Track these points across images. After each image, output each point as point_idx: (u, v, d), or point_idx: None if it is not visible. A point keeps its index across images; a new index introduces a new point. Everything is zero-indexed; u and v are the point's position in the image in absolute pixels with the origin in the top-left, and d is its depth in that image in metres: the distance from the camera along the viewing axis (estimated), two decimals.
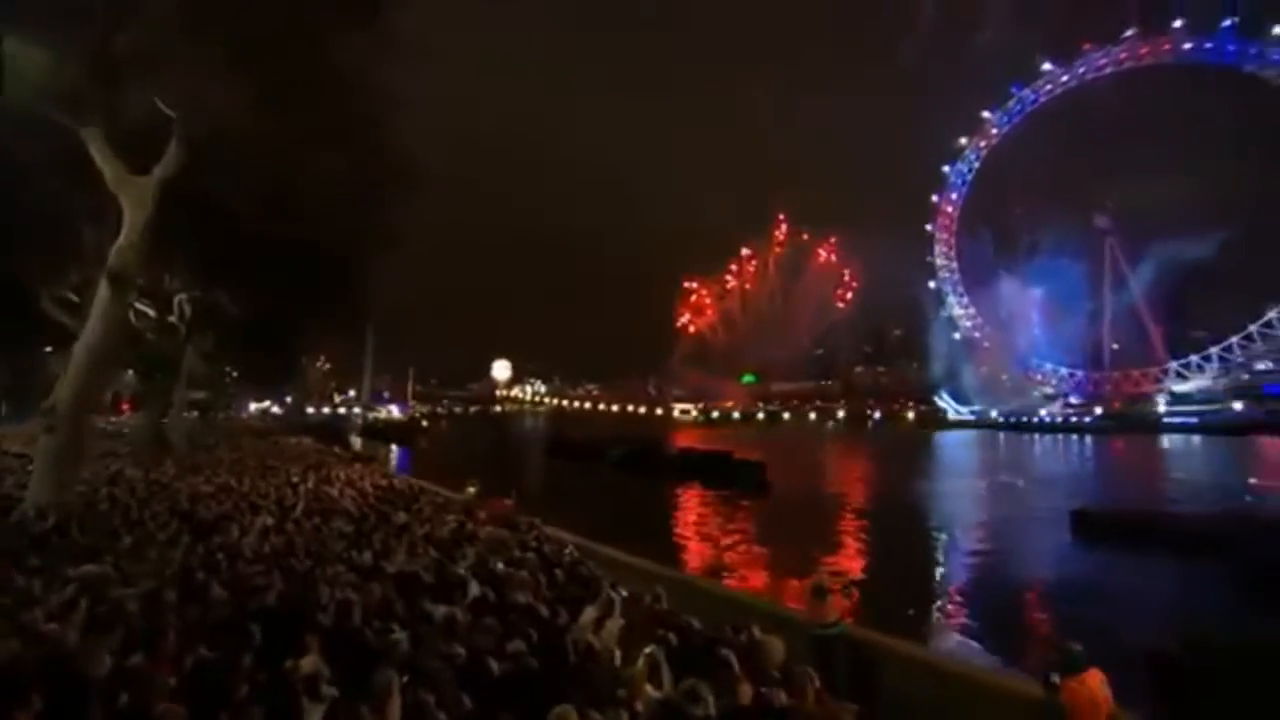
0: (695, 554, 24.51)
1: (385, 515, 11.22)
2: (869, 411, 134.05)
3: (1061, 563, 24.42)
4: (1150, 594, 19.78)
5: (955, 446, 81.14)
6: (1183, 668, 13.52)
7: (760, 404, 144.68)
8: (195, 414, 50.13)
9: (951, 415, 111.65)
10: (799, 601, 7.16)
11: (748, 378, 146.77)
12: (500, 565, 7.82)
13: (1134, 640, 14.96)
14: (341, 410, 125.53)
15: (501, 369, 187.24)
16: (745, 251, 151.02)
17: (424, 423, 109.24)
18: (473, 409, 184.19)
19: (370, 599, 6.32)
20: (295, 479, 16.53)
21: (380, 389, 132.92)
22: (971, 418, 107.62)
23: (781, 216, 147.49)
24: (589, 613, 6.19)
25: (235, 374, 51.27)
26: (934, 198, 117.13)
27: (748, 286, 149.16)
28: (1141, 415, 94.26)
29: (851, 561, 23.95)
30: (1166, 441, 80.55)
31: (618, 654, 5.37)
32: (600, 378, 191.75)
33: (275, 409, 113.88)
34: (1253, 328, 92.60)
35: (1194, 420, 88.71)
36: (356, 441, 70.83)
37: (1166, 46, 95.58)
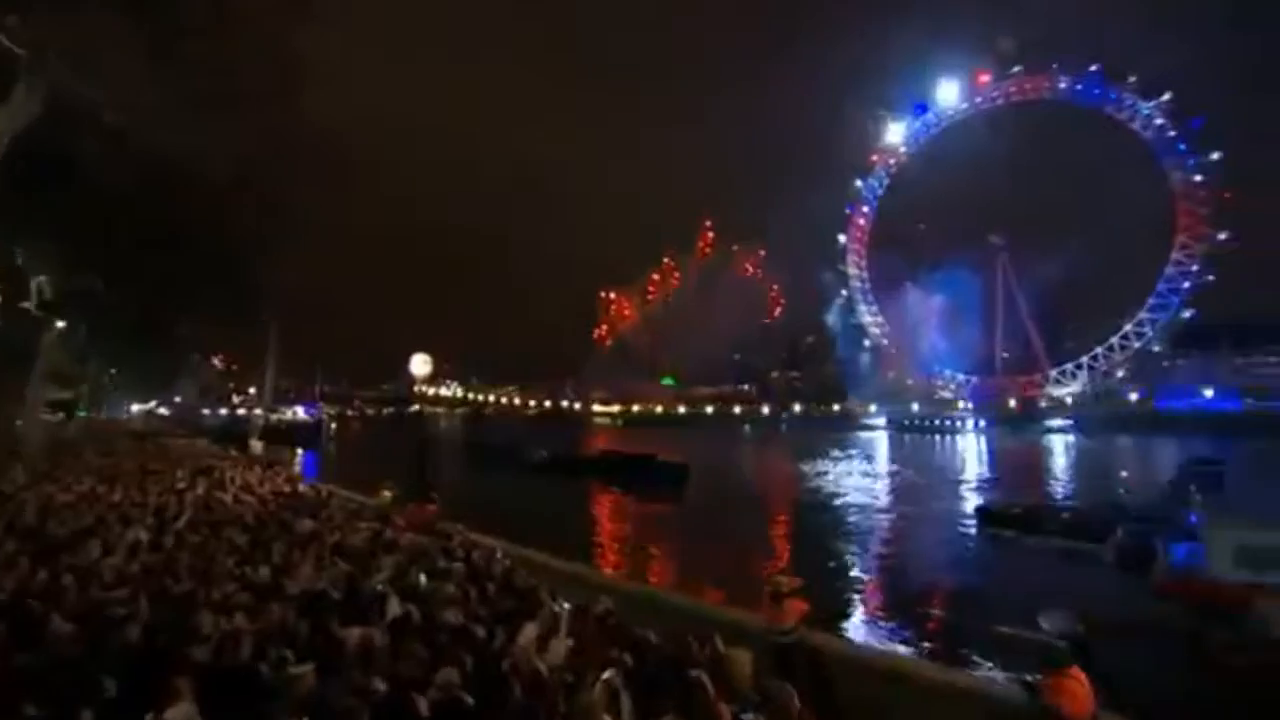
0: (628, 558, 23.79)
1: (288, 524, 9.78)
2: (783, 414, 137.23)
3: (971, 554, 25.82)
4: (1046, 579, 20.91)
5: (865, 447, 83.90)
6: (1089, 645, 14.41)
7: (680, 406, 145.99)
8: (60, 415, 43.88)
9: (861, 418, 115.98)
10: (754, 606, 6.57)
11: (667, 380, 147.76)
12: (423, 578, 6.80)
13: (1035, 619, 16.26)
14: (241, 412, 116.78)
15: (420, 363, 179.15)
16: (668, 260, 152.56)
17: (333, 424, 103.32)
18: (387, 410, 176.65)
19: (266, 624, 5.24)
20: (181, 485, 14.45)
21: (286, 389, 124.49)
22: (880, 420, 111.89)
23: (709, 224, 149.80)
24: (530, 631, 5.39)
25: (115, 371, 45.93)
26: (847, 210, 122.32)
27: (670, 293, 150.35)
28: (1027, 417, 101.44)
29: (778, 560, 23.93)
30: (1048, 440, 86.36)
31: (567, 679, 4.60)
32: (519, 379, 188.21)
33: (163, 410, 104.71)
34: (1113, 340, 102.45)
35: (1070, 421, 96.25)
36: (257, 445, 65.98)
37: (1046, 84, 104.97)
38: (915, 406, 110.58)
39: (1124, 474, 39.79)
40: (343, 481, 23.27)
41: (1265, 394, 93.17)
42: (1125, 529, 23.47)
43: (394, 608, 5.92)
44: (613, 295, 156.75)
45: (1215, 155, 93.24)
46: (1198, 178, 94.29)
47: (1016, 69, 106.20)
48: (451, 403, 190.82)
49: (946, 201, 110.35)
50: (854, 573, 22.83)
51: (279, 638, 5.02)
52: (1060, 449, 78.17)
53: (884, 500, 39.40)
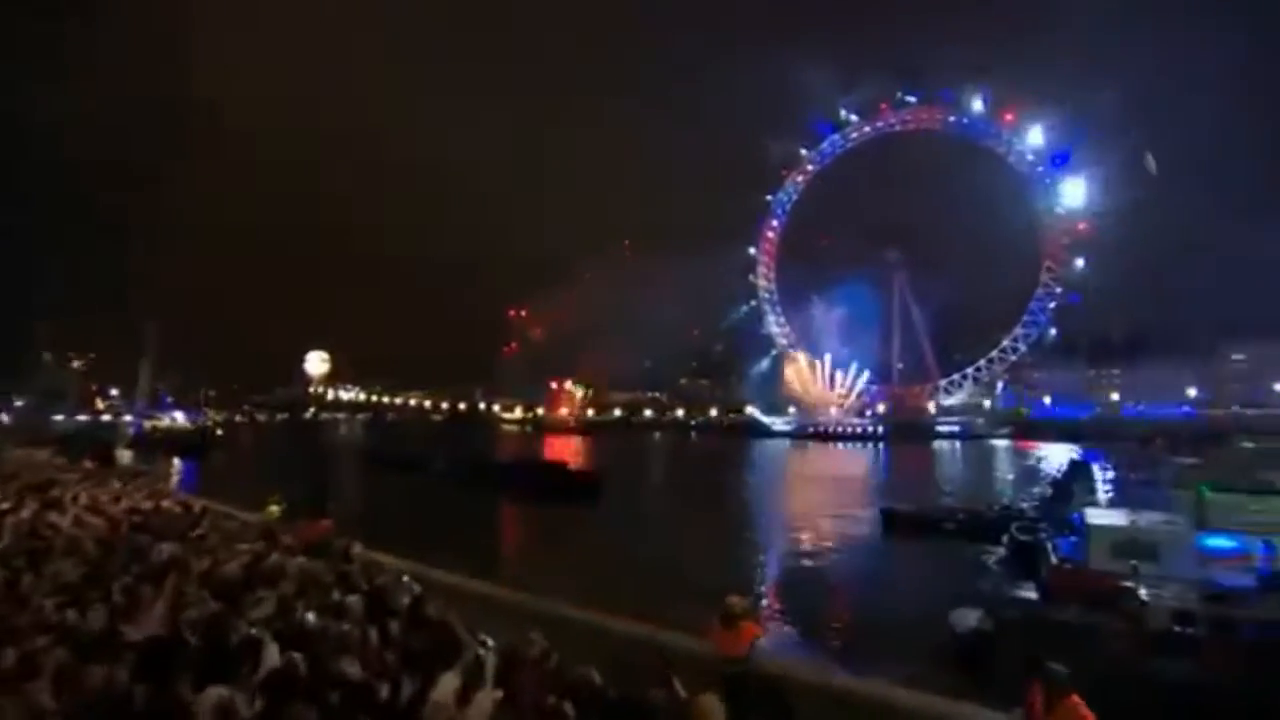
0: (548, 575, 22.33)
1: (142, 550, 8.00)
2: (693, 422, 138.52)
3: (878, 554, 26.97)
4: (949, 578, 21.99)
5: (772, 454, 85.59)
6: (993, 639, 14.91)
7: (591, 413, 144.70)
8: None
9: (769, 425, 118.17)
10: (705, 630, 5.78)
11: (578, 387, 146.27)
12: (312, 616, 5.50)
13: (945, 617, 15.97)
14: (107, 417, 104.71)
15: (317, 362, 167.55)
16: (582, 268, 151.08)
17: (219, 431, 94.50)
18: (281, 416, 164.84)
19: (82, 692, 3.88)
20: (2, 506, 11.76)
21: (163, 392, 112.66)
22: (786, 428, 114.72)
23: (627, 243, 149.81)
24: (449, 682, 4.33)
25: None
26: (757, 223, 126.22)
27: (584, 299, 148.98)
28: (921, 424, 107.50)
29: (695, 568, 23.86)
30: (939, 446, 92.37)
31: None
32: (425, 383, 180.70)
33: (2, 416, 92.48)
34: (993, 353, 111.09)
35: (957, 428, 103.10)
36: (125, 455, 59.29)
37: (938, 116, 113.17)
38: (818, 414, 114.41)
39: (1010, 477, 41.96)
40: (224, 496, 20.68)
41: (1112, 404, 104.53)
42: (1016, 528, 25.09)
43: (272, 657, 4.65)
44: (524, 302, 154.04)
45: (1074, 191, 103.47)
46: (1060, 210, 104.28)
47: (911, 100, 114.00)
48: (353, 407, 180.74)
49: (849, 218, 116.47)
50: (767, 576, 22.89)
51: (100, 712, 3.69)
52: (950, 454, 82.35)
53: (791, 505, 40.66)
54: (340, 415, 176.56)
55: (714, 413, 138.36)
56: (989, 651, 13.92)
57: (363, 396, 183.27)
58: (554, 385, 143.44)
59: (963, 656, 14.49)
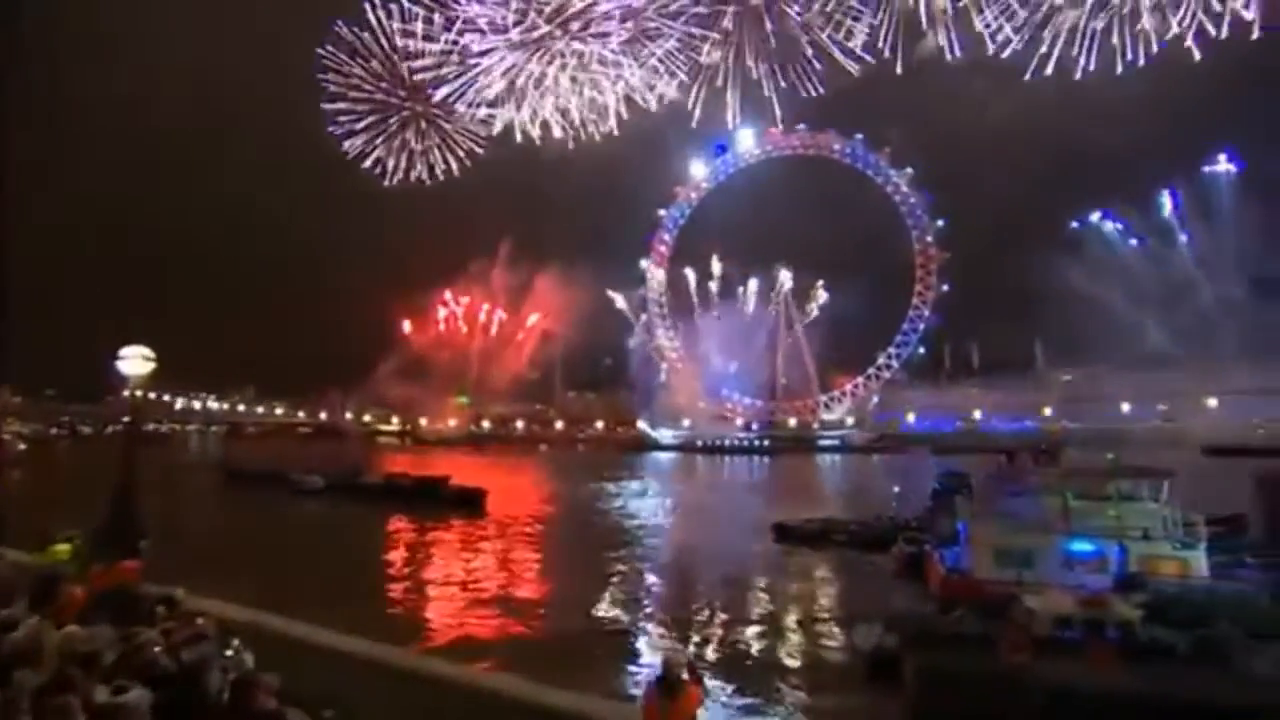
0: (429, 612, 20.00)
1: None
2: (579, 434, 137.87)
3: (773, 568, 26.73)
4: (839, 590, 23.05)
5: (660, 468, 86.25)
6: (897, 654, 15.02)
7: (473, 426, 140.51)
8: None
9: (657, 438, 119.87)
10: (645, 705, 4.68)
11: (462, 398, 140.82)
12: None
13: (848, 634, 16.45)
14: None
15: (136, 361, 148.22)
16: (467, 277, 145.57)
17: (21, 445, 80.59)
18: (113, 428, 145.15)
19: None
20: None
21: None
22: (674, 442, 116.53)
23: (505, 245, 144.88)
24: None
25: None
26: (649, 237, 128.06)
27: (465, 308, 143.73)
28: (804, 438, 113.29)
29: (584, 587, 22.80)
30: (821, 459, 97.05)
31: None
32: (290, 395, 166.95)
33: None
34: (870, 370, 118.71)
35: (838, 442, 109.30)
36: None
37: (824, 143, 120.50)
38: (706, 428, 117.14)
39: (891, 489, 43.53)
40: (10, 526, 16.93)
41: (968, 419, 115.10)
42: (904, 538, 26.04)
43: None
44: (405, 309, 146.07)
45: (940, 223, 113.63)
46: (928, 239, 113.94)
47: (801, 126, 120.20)
48: (206, 419, 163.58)
49: (739, 236, 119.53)
50: (658, 597, 22.02)
51: None
52: (831, 467, 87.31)
53: (683, 520, 40.57)
54: (193, 428, 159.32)
55: (601, 425, 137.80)
56: (894, 666, 14.11)
57: (219, 406, 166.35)
58: (434, 396, 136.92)
59: (869, 673, 14.58)
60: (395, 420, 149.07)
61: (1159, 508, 18.29)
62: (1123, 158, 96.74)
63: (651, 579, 24.80)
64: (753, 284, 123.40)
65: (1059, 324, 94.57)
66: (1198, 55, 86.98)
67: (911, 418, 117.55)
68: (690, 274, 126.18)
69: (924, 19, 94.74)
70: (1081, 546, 18.42)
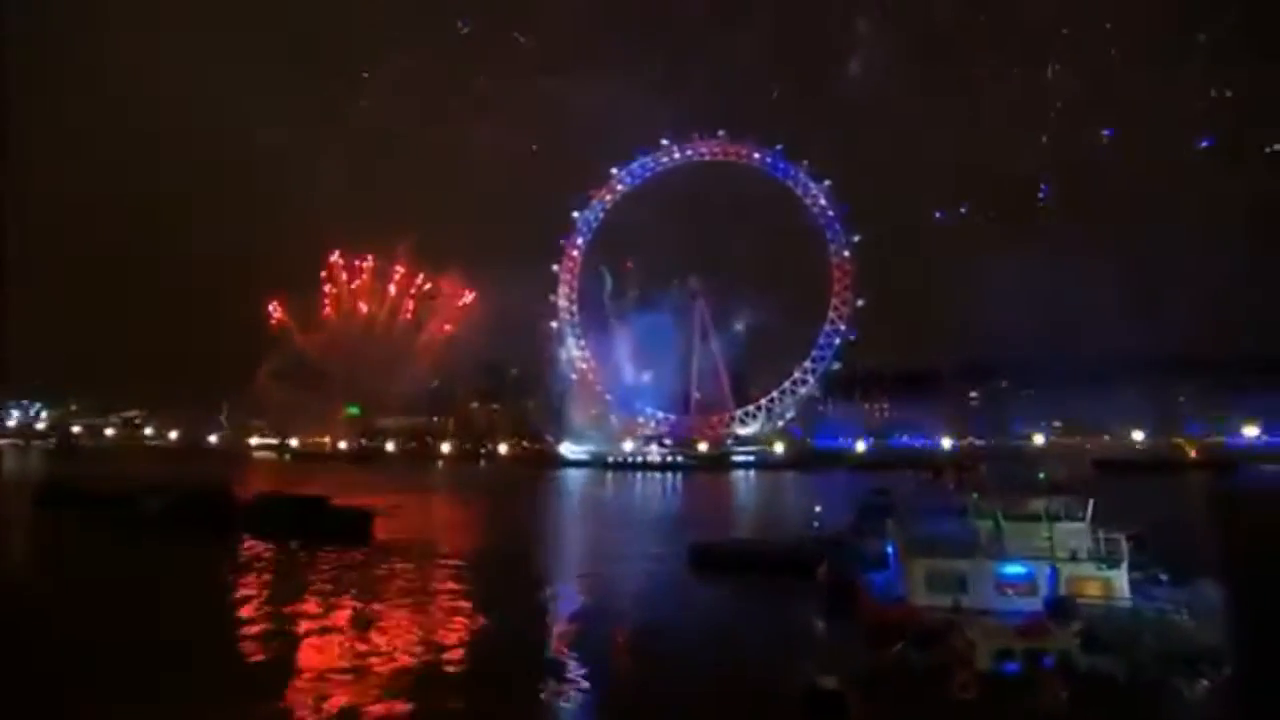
0: (282, 678, 16.50)
1: None
2: (482, 449, 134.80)
3: (685, 598, 26.12)
4: (764, 621, 22.15)
5: (568, 485, 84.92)
6: (844, 700, 14.35)
7: (363, 439, 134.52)
8: None
9: (565, 454, 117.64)
10: None
11: (352, 410, 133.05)
12: None
13: (775, 674, 15.77)
14: None
15: None
16: (363, 278, 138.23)
17: None
18: None
19: None
20: None
21: None
22: (585, 457, 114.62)
23: (402, 251, 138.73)
24: None
25: None
26: (562, 241, 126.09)
27: (362, 313, 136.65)
28: (718, 454, 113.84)
29: (477, 622, 21.64)
30: (736, 476, 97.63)
31: None
32: (149, 403, 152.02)
33: None
34: (785, 385, 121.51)
35: (753, 459, 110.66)
36: None
37: (744, 151, 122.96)
38: (617, 443, 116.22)
39: (810, 507, 41.74)
40: None
41: (881, 435, 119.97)
42: (829, 562, 25.29)
43: None
44: (289, 311, 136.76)
45: (856, 237, 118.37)
46: (845, 253, 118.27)
47: (721, 133, 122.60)
48: (27, 434, 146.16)
49: (655, 242, 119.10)
50: (568, 636, 20.68)
51: None
52: (746, 484, 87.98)
53: (590, 543, 39.87)
54: (10, 442, 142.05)
55: (506, 443, 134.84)
56: (842, 711, 13.61)
57: (48, 414, 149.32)
58: (320, 407, 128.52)
59: (809, 715, 13.89)
60: (274, 434, 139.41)
61: (1085, 527, 18.56)
62: None
63: (550, 611, 23.75)
64: (668, 292, 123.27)
65: (966, 340, 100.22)
66: None
67: (826, 433, 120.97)
68: (603, 280, 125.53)
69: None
70: (1014, 570, 18.53)
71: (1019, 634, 16.16)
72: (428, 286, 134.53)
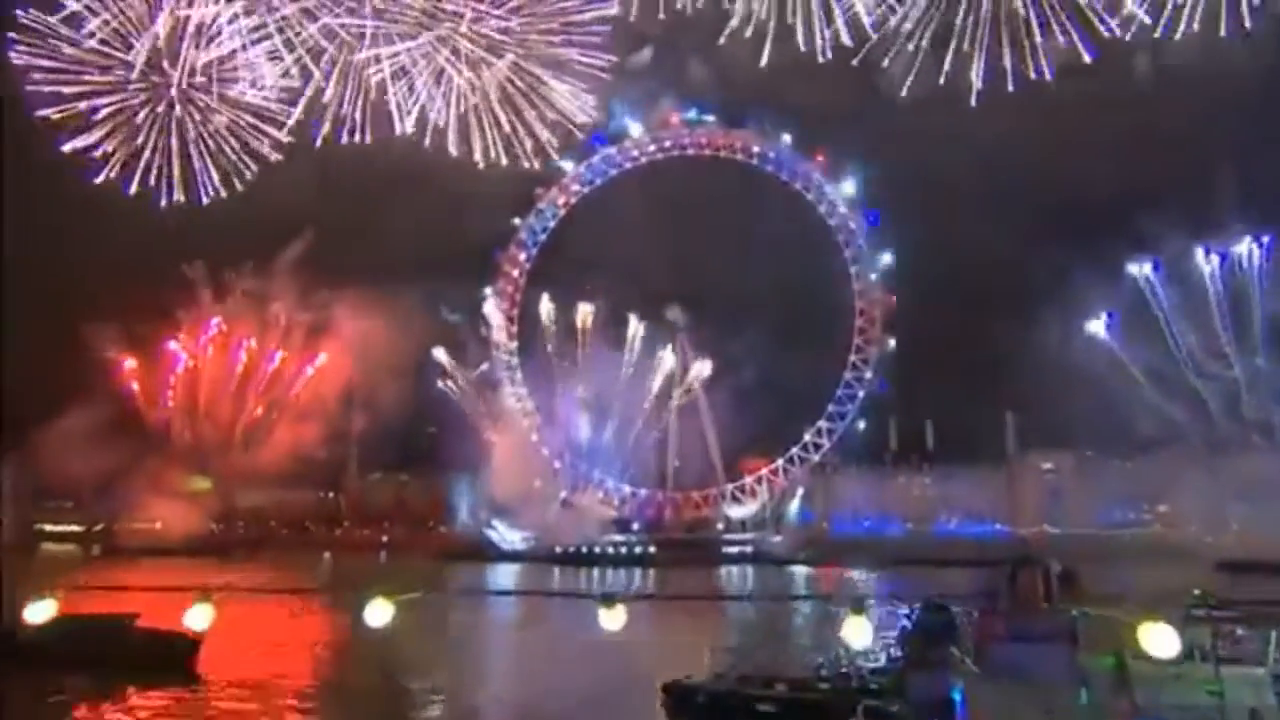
0: None
1: None
2: (385, 537, 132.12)
3: None
4: None
5: (500, 588, 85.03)
6: None
7: (215, 524, 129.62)
8: None
9: (497, 542, 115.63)
10: None
11: (199, 483, 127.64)
12: None
13: None
14: None
15: None
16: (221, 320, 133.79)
17: None
18: None
19: None
20: None
21: None
22: (522, 547, 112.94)
23: (284, 266, 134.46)
24: None
25: None
26: (498, 256, 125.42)
27: (217, 346, 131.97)
28: (703, 542, 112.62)
29: None
30: (727, 573, 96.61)
31: None
32: None
33: None
34: (794, 450, 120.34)
35: (749, 549, 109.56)
36: None
37: (739, 143, 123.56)
38: (567, 528, 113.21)
39: (830, 621, 41.41)
40: None
41: (922, 518, 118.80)
42: (865, 709, 23.05)
43: None
44: (123, 348, 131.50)
45: (887, 256, 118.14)
46: (872, 277, 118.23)
47: (710, 118, 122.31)
48: None
49: (621, 262, 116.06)
50: None
51: None
52: (741, 583, 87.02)
53: (523, 675, 39.01)
54: None
55: (417, 527, 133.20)
56: None
57: None
58: (154, 477, 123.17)
59: None
60: (76, 519, 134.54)
61: (1265, 675, 16.76)
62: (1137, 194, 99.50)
63: None
64: (636, 327, 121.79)
65: (1037, 398, 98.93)
66: None
67: (847, 516, 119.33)
68: (549, 309, 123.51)
69: None
70: None
71: None
72: (316, 315, 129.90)
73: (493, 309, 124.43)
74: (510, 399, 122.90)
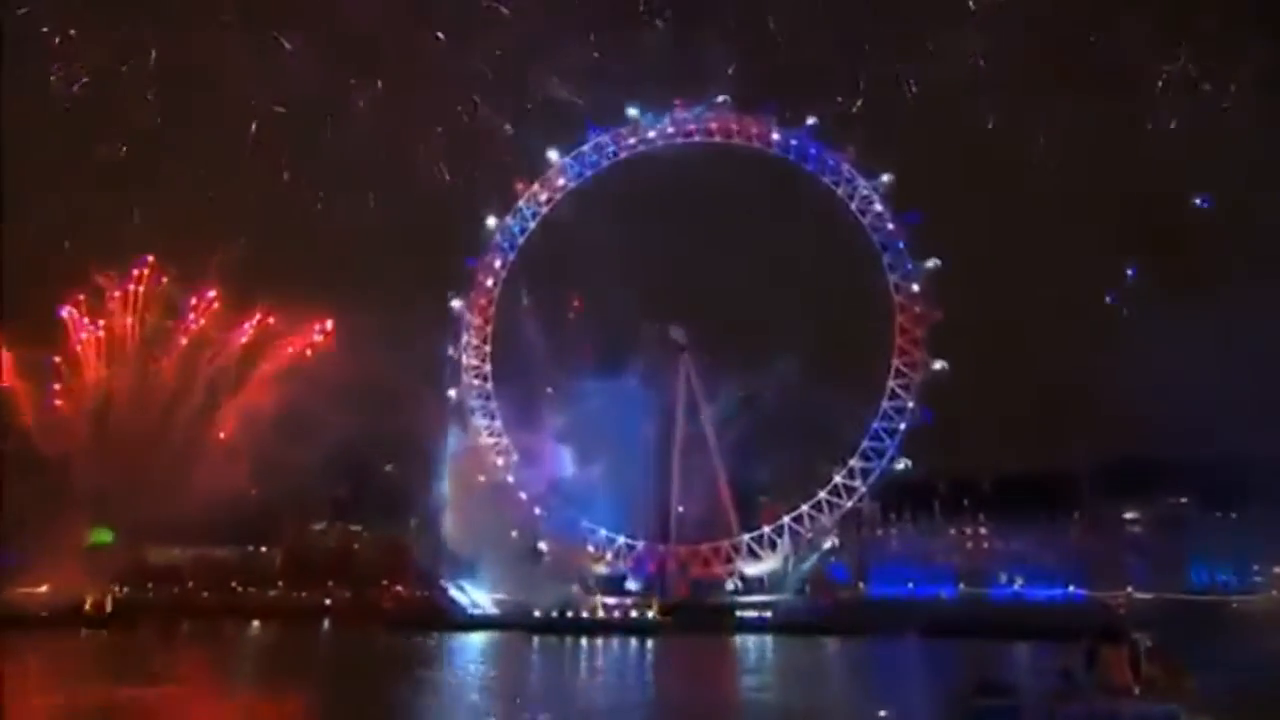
0: None
1: None
2: (328, 601, 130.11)
3: None
4: None
5: (466, 661, 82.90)
6: None
7: (118, 587, 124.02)
8: None
9: (465, 606, 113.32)
10: None
11: (99, 536, 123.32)
12: None
13: None
14: None
15: None
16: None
17: None
18: None
19: None
20: None
21: None
22: (495, 612, 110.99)
23: (211, 272, 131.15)
24: None
25: None
26: (470, 264, 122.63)
27: (125, 365, 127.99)
28: (713, 607, 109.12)
29: None
30: (741, 643, 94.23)
31: None
32: None
33: None
34: (820, 495, 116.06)
35: (767, 615, 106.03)
36: None
37: (756, 130, 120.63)
38: (549, 589, 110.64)
39: (883, 714, 41.41)
40: None
41: (977, 579, 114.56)
42: None
43: None
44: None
45: (932, 262, 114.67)
46: (915, 288, 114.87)
47: (722, 99, 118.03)
48: None
49: (615, 270, 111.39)
50: None
51: None
52: (759, 657, 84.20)
53: None
54: None
55: (368, 589, 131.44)
56: None
57: None
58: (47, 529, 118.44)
59: None
60: None
61: None
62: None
63: None
64: (635, 346, 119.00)
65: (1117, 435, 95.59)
66: None
67: (887, 574, 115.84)
68: (529, 326, 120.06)
69: None
70: None
71: None
72: (249, 328, 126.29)
73: (463, 324, 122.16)
74: (483, 432, 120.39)
